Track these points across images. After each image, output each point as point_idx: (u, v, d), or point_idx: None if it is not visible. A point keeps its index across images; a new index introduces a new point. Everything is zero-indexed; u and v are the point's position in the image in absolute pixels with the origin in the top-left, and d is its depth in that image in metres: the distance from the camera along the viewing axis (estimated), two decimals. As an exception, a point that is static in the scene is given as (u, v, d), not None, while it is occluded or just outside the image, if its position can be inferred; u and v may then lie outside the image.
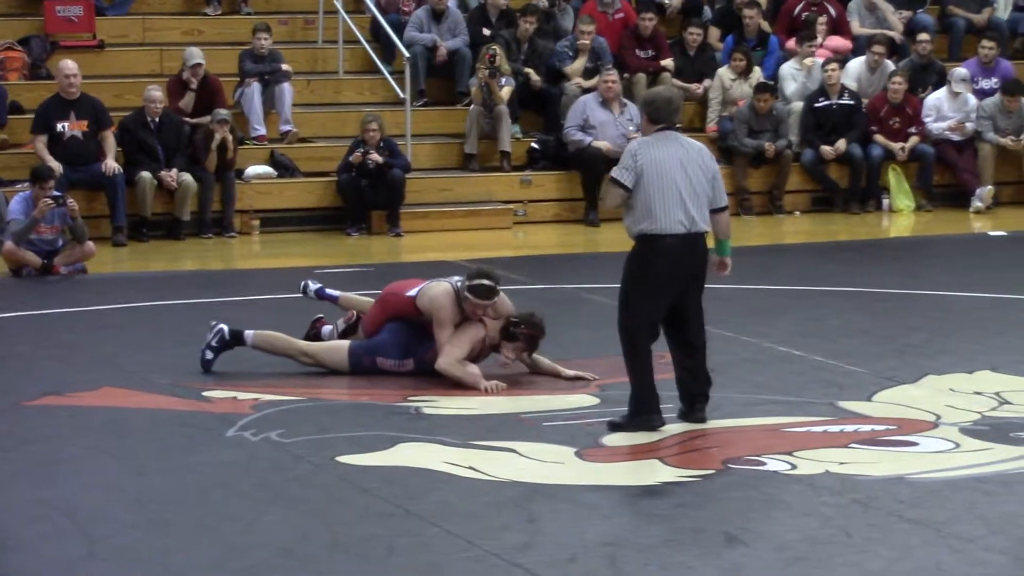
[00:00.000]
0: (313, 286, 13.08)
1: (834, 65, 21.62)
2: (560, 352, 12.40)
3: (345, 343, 12.35)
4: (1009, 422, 10.75)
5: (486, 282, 11.87)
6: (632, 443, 10.38)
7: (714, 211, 10.61)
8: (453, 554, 8.30)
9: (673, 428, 10.59)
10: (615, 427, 10.60)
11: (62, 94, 19.00)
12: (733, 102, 21.61)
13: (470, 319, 11.95)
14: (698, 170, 10.54)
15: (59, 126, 18.90)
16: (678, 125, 10.89)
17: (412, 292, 12.13)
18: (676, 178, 10.42)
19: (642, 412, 10.59)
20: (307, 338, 12.73)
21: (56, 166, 18.32)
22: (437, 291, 11.98)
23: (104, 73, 20.97)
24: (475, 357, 11.96)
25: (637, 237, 10.51)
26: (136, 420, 11.11)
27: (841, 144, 21.22)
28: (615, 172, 10.52)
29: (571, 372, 12.05)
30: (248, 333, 12.34)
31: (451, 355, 11.83)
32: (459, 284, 11.94)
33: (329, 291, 12.99)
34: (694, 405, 10.72)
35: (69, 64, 19.09)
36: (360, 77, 21.96)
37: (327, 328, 12.83)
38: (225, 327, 12.34)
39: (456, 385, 11.75)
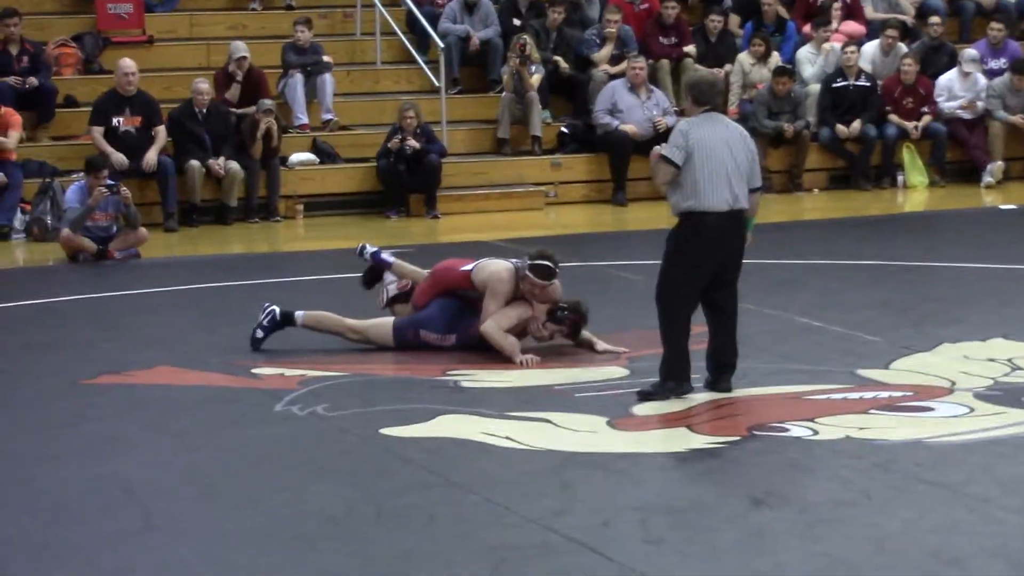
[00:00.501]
0: (370, 248, 13.04)
1: (853, 48, 21.62)
2: (591, 326, 12.38)
3: (390, 319, 12.36)
4: (1021, 387, 10.73)
5: (548, 263, 11.89)
6: (661, 412, 10.37)
7: (750, 190, 10.63)
8: (492, 521, 8.30)
9: (700, 397, 10.59)
10: (645, 396, 10.59)
11: (119, 90, 19.03)
12: (753, 85, 21.59)
13: (521, 298, 11.96)
14: (741, 151, 10.58)
15: (115, 120, 18.93)
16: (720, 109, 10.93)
17: (468, 267, 12.16)
18: (724, 157, 10.46)
19: (672, 378, 10.59)
20: (366, 281, 12.79)
21: (120, 158, 18.39)
22: (499, 267, 12.02)
23: (153, 67, 20.99)
24: (517, 334, 11.97)
25: (682, 214, 10.52)
26: (189, 397, 11.13)
27: (856, 124, 21.18)
28: (665, 150, 10.51)
29: (604, 346, 12.05)
30: (298, 313, 12.36)
31: (497, 322, 11.85)
32: (520, 264, 11.97)
33: (384, 256, 12.94)
34: (722, 375, 10.72)
35: (128, 63, 19.11)
36: (397, 67, 21.96)
37: (390, 277, 12.79)
38: (276, 308, 12.36)
39: (493, 359, 11.74)
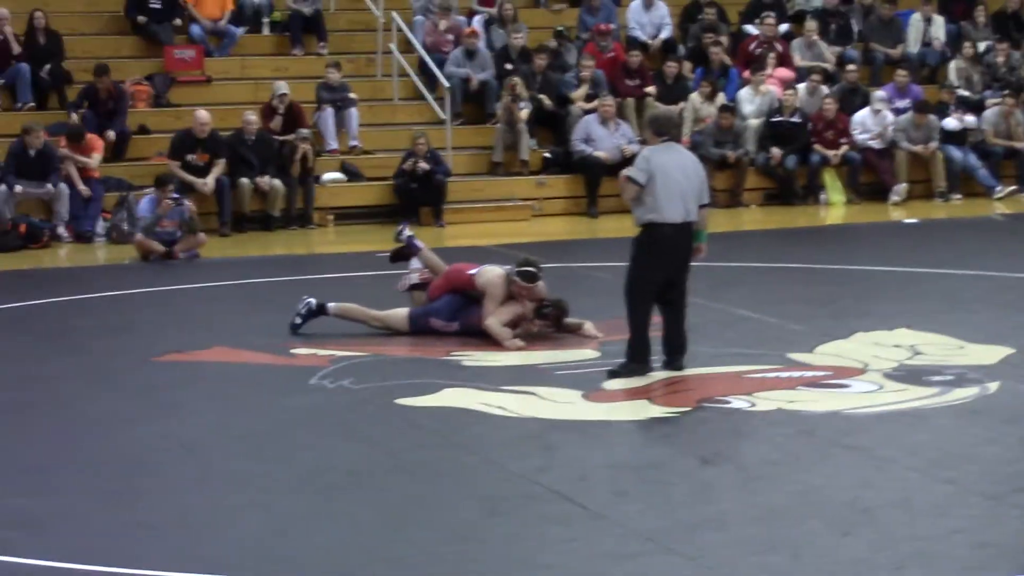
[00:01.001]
0: (407, 232, 13.03)
1: (792, 91, 21.60)
2: (574, 315, 12.36)
3: (405, 310, 12.34)
4: (922, 368, 10.71)
5: (531, 269, 11.92)
6: (626, 387, 10.36)
7: (700, 206, 10.64)
8: (487, 475, 8.29)
9: (658, 375, 10.57)
10: (613, 374, 10.58)
11: (194, 132, 18.94)
12: (702, 120, 21.54)
13: (513, 298, 11.97)
14: (692, 174, 10.62)
15: (188, 156, 18.89)
16: (678, 139, 10.93)
17: (472, 271, 12.16)
18: (678, 179, 10.47)
19: (635, 360, 10.58)
20: (393, 258, 12.85)
21: (200, 185, 18.54)
22: (493, 274, 12.03)
23: (211, 102, 20.91)
24: (512, 326, 11.96)
25: (644, 224, 10.54)
26: (239, 372, 11.11)
27: (776, 152, 21.14)
28: (631, 172, 10.57)
29: (589, 327, 12.09)
30: (330, 305, 12.35)
31: (498, 318, 11.87)
32: (509, 270, 11.97)
33: (417, 241, 12.93)
34: (674, 357, 10.70)
35: (203, 114, 19.02)
36: (410, 103, 21.89)
37: (415, 264, 12.76)
38: (313, 300, 12.35)
39: (489, 344, 11.72)
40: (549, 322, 12.10)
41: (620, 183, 10.75)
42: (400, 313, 12.32)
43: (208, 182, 18.79)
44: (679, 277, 10.62)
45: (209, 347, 11.92)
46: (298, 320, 12.30)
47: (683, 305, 10.72)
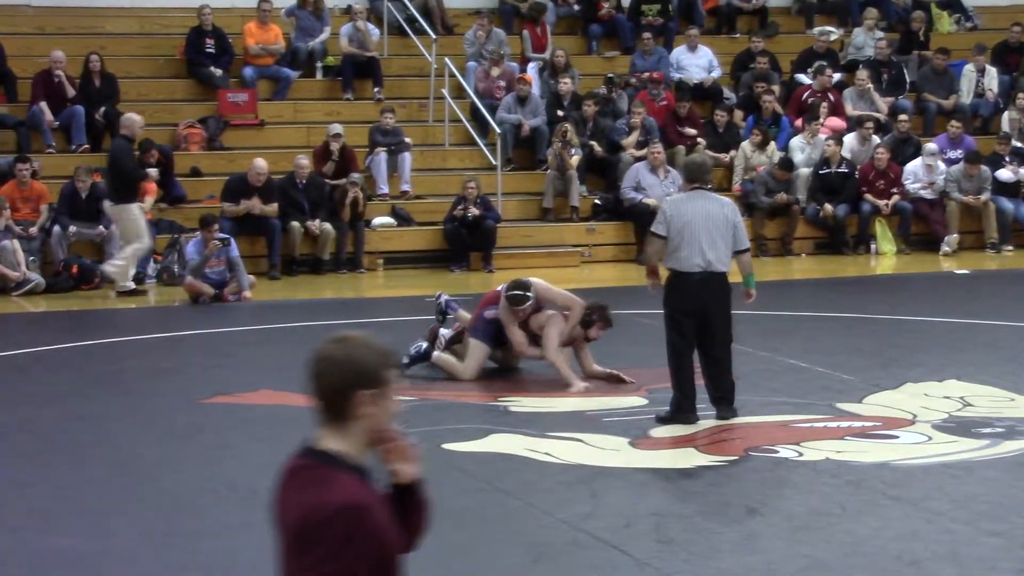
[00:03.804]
0: (444, 297, 13.14)
1: (832, 142, 21.58)
2: (618, 362, 12.36)
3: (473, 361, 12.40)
4: (971, 420, 10.65)
5: (518, 292, 12.11)
6: (673, 435, 10.33)
7: (737, 252, 10.58)
8: (532, 521, 8.27)
9: (705, 423, 10.54)
10: (661, 420, 10.55)
11: (250, 180, 19.05)
12: (753, 168, 21.54)
13: (546, 314, 12.13)
14: (721, 222, 10.51)
15: (242, 202, 18.97)
16: (709, 185, 10.88)
17: (500, 288, 12.42)
18: (698, 229, 10.43)
19: (679, 408, 10.56)
20: (431, 338, 12.81)
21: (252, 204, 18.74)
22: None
23: (263, 145, 21.08)
24: (568, 342, 12.17)
25: (670, 272, 10.59)
26: (286, 414, 11.11)
27: (828, 207, 21.12)
28: (652, 226, 10.68)
29: (616, 374, 12.14)
30: (434, 354, 12.53)
31: (556, 349, 12.00)
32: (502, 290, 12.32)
33: (454, 306, 13.10)
34: (718, 407, 10.66)
35: (261, 163, 19.14)
36: (462, 148, 21.99)
37: (443, 331, 12.84)
38: (424, 343, 12.60)
39: (537, 390, 11.75)
40: (600, 326, 12.15)
41: (646, 241, 10.81)
42: (471, 365, 12.38)
43: (256, 208, 18.89)
44: (711, 326, 10.51)
45: (257, 389, 11.97)
46: (405, 359, 12.46)
47: (723, 356, 10.61)
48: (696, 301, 10.45)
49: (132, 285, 17.59)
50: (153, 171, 18.61)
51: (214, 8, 21.99)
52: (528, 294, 12.11)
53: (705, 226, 10.43)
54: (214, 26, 21.90)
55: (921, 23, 25.10)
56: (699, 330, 10.50)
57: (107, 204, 17.82)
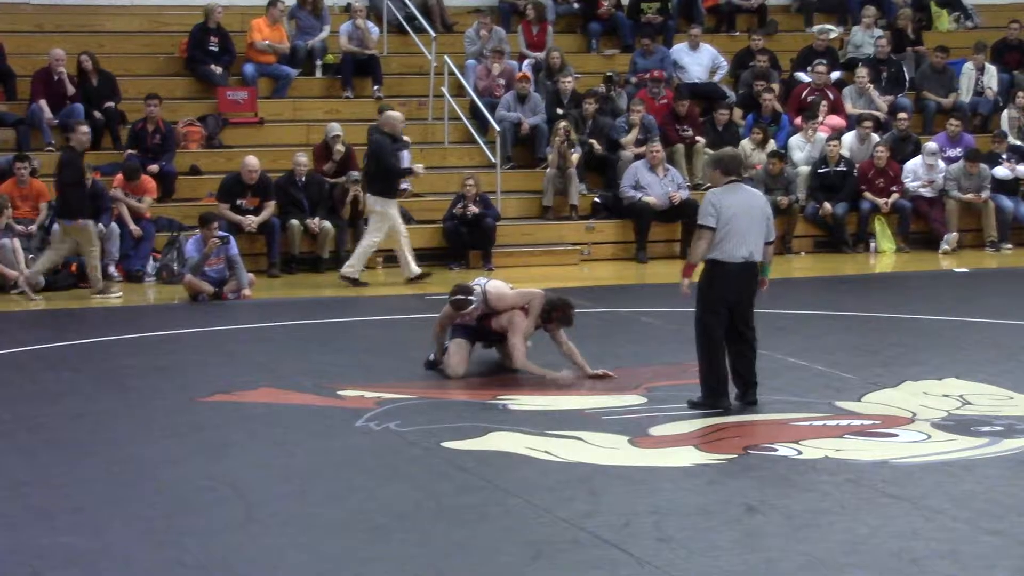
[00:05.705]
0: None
1: (834, 141, 21.60)
2: (616, 361, 12.35)
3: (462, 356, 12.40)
4: (970, 419, 10.65)
5: (460, 297, 12.18)
6: (673, 433, 10.33)
7: (765, 243, 10.93)
8: (531, 520, 8.26)
9: (706, 421, 10.55)
10: (693, 404, 10.82)
11: (243, 178, 19.05)
12: (752, 166, 21.53)
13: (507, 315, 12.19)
14: (759, 214, 10.87)
15: (238, 201, 18.99)
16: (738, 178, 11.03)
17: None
18: (742, 220, 10.72)
19: (713, 395, 10.76)
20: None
21: (247, 224, 18.61)
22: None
23: (263, 143, 21.08)
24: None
25: (709, 261, 10.77)
26: (286, 413, 11.12)
27: (827, 206, 21.12)
28: (701, 220, 10.76)
29: (595, 371, 12.13)
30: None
31: (520, 351, 12.05)
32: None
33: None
34: (747, 390, 10.91)
35: (252, 161, 19.11)
36: (461, 146, 21.98)
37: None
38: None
39: (536, 388, 11.74)
40: (558, 324, 12.14)
41: (695, 238, 10.84)
42: (454, 361, 12.36)
43: (253, 220, 18.87)
44: (744, 314, 10.83)
45: (256, 388, 11.95)
46: (432, 357, 12.48)
47: (752, 340, 10.93)
48: (735, 291, 10.78)
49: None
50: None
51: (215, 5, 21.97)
52: (471, 298, 12.13)
53: (748, 219, 10.75)
54: (218, 24, 21.89)
55: (907, 20, 25.10)
56: (731, 314, 10.81)
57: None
